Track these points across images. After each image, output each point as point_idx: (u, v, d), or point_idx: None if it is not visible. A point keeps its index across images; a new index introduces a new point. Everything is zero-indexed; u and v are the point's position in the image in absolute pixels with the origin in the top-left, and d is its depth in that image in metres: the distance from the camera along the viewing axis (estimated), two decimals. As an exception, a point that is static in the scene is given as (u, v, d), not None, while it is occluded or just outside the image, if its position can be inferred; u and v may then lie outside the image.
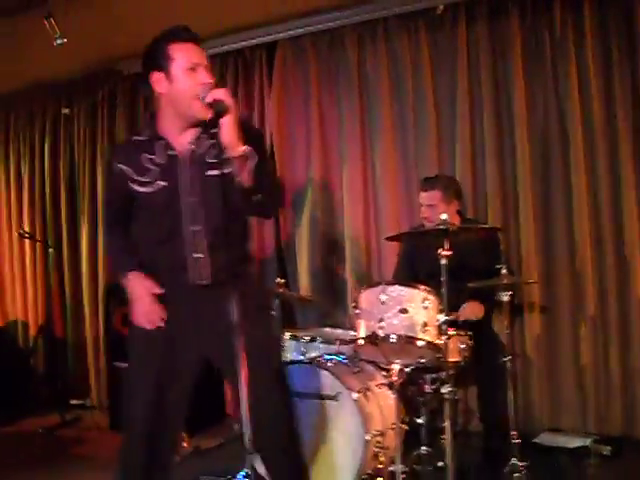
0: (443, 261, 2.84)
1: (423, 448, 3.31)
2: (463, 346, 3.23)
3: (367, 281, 4.32)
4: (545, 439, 3.75)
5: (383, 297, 2.90)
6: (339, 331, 3.75)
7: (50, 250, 5.45)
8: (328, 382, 2.96)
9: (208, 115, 2.05)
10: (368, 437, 2.82)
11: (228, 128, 2.02)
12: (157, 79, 2.21)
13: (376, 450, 2.88)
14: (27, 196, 5.78)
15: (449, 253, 2.86)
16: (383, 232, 4.38)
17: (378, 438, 2.89)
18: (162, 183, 2.25)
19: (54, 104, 5.67)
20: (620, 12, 3.86)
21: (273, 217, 2.18)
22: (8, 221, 5.91)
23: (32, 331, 5.69)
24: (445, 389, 2.86)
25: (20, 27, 4.90)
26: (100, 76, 5.41)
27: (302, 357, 3.34)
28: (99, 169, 5.45)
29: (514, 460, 3.08)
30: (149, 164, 2.26)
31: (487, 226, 3.47)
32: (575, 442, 3.65)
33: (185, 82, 2.17)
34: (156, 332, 2.30)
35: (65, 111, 5.57)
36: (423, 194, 3.72)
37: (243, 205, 2.18)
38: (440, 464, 3.21)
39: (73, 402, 5.34)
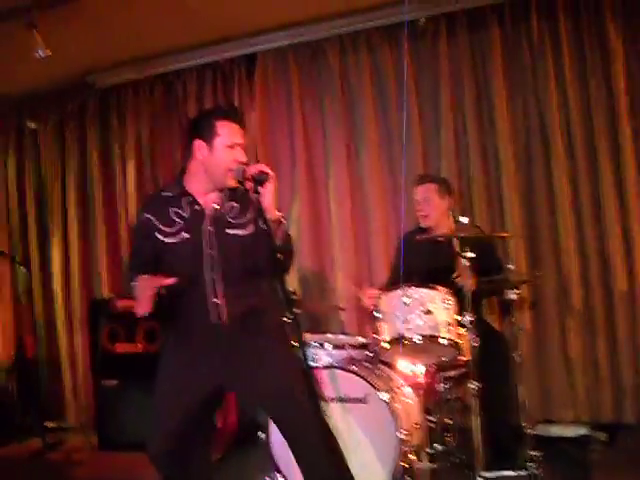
0: (467, 263, 2.95)
1: (435, 445, 3.40)
2: (474, 344, 3.35)
3: (357, 283, 4.44)
4: (542, 430, 3.90)
5: (406, 299, 3.00)
6: (342, 336, 3.81)
7: (20, 268, 5.27)
8: (355, 385, 3.00)
9: (246, 185, 2.40)
10: (401, 436, 2.88)
11: (269, 195, 2.35)
12: (199, 146, 2.49)
13: (405, 449, 2.95)
14: (-8, 212, 5.60)
15: (472, 255, 2.97)
16: (372, 238, 4.50)
17: (408, 437, 2.96)
18: (186, 235, 2.50)
19: (19, 118, 5.51)
20: (593, 19, 4.11)
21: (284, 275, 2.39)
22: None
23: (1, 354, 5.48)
24: (472, 385, 2.93)
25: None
26: (69, 89, 5.31)
27: (316, 364, 3.37)
28: (70, 185, 5.35)
29: (530, 451, 3.21)
30: (175, 217, 2.51)
31: (506, 234, 3.59)
32: (571, 431, 3.84)
33: (223, 157, 2.47)
34: (182, 363, 2.52)
35: (31, 125, 5.42)
36: (419, 188, 3.80)
37: (270, 262, 2.37)
38: (456, 460, 3.35)
39: (50, 425, 5.16)
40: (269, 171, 2.37)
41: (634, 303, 4.03)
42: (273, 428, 3.05)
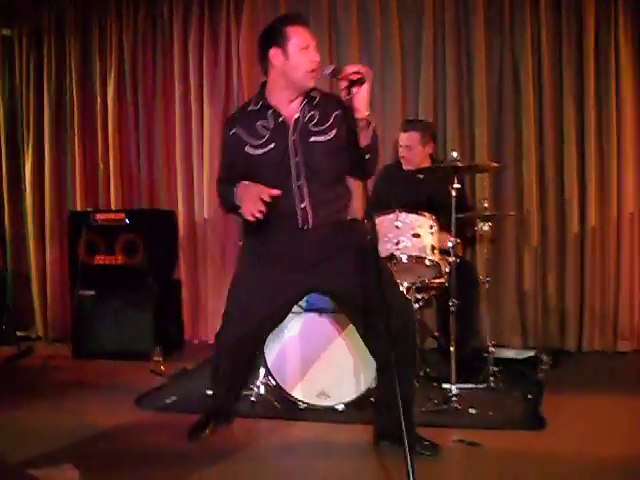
0: (453, 193, 3.23)
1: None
2: (447, 269, 3.67)
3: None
4: (495, 352, 4.30)
5: (398, 223, 3.28)
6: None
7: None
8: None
9: (341, 84, 2.44)
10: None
11: (363, 95, 2.44)
12: (275, 54, 2.57)
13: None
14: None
15: (458, 186, 3.25)
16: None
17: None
18: (272, 145, 2.63)
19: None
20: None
21: (369, 178, 2.60)
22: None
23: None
24: (451, 303, 3.25)
25: None
26: (48, -1, 5.21)
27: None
28: (46, 99, 5.30)
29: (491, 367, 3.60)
30: (261, 130, 2.64)
31: (496, 165, 3.86)
32: (521, 354, 4.27)
33: (299, 58, 2.55)
34: (265, 262, 2.71)
35: (5, 32, 5.29)
36: (403, 135, 4.08)
37: (356, 161, 2.53)
38: (420, 374, 3.71)
39: (19, 334, 5.24)
40: (365, 71, 2.44)
41: (583, 245, 4.46)
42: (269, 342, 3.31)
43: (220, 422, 3.00)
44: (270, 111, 2.64)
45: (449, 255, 3.35)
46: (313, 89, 2.63)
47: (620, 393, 3.51)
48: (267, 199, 2.46)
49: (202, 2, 4.96)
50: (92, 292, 4.68)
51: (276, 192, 2.49)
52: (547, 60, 4.45)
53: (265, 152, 2.63)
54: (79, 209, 5.18)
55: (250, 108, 2.70)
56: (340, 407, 3.21)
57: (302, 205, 2.62)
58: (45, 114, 5.30)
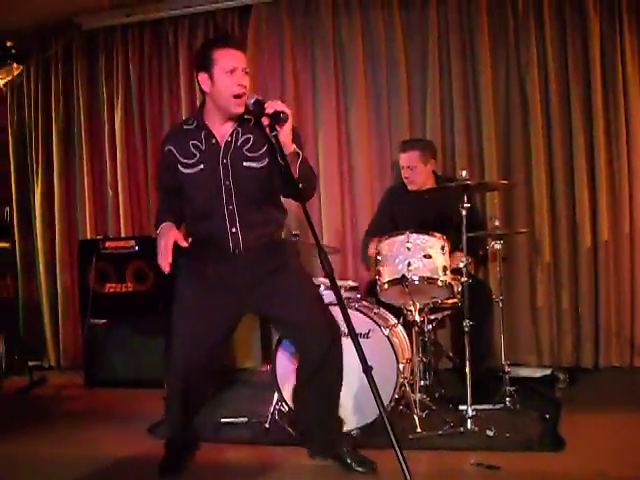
0: (463, 212, 3.21)
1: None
2: (460, 289, 3.64)
3: (341, 238, 4.69)
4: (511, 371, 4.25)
5: (409, 245, 3.26)
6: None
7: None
8: (359, 322, 3.22)
9: (263, 121, 2.47)
10: (401, 366, 3.16)
11: (287, 132, 2.45)
12: (202, 79, 2.58)
13: (401, 380, 3.22)
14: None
15: (468, 205, 3.23)
16: (357, 192, 4.73)
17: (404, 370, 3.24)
18: (201, 167, 2.62)
19: (2, 58, 5.42)
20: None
21: (308, 201, 2.62)
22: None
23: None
24: (465, 324, 3.22)
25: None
26: (54, 29, 5.26)
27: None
28: (54, 128, 5.34)
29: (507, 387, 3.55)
30: (193, 149, 2.63)
31: (505, 182, 3.85)
32: (537, 372, 4.22)
33: (224, 82, 2.53)
34: (201, 286, 2.71)
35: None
36: (403, 155, 4.07)
37: (289, 192, 2.60)
38: (435, 394, 3.67)
39: (31, 364, 5.23)
40: (287, 110, 2.45)
41: (596, 260, 4.40)
42: (279, 360, 3.29)
43: (189, 452, 2.92)
44: (204, 132, 2.63)
45: (461, 275, 3.32)
46: (248, 108, 2.57)
47: (639, 410, 3.45)
48: (181, 243, 2.57)
49: (207, 27, 4.98)
50: (103, 320, 4.67)
51: (184, 244, 2.57)
52: (554, 75, 4.43)
53: (195, 172, 2.62)
54: (89, 237, 5.18)
55: (186, 126, 2.70)
56: (354, 432, 3.16)
57: (233, 230, 2.62)
58: (54, 143, 5.33)
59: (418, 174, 4.04)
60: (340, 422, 2.93)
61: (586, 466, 2.68)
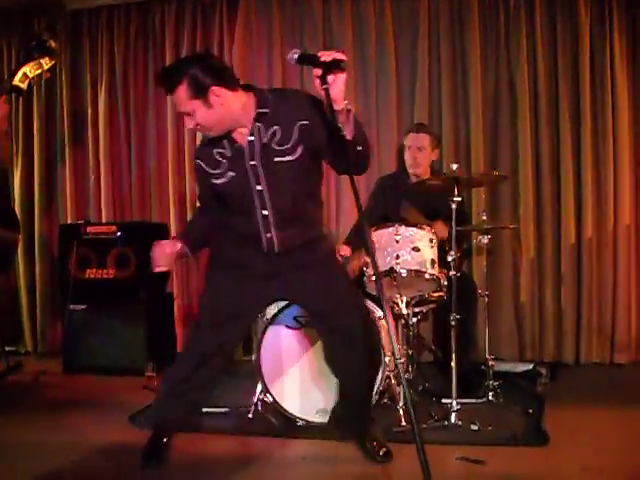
0: (453, 205, 3.19)
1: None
2: (446, 283, 3.63)
3: (327, 226, 4.66)
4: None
5: (397, 237, 3.24)
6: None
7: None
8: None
9: (314, 72, 2.13)
10: (387, 359, 3.14)
11: (340, 84, 2.12)
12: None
13: (388, 373, 3.21)
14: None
15: (459, 199, 3.21)
16: (345, 183, 4.69)
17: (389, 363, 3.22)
18: (231, 174, 2.51)
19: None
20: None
21: (365, 171, 2.49)
22: None
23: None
24: (452, 318, 3.21)
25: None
26: (39, 9, 5.13)
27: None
28: (35, 109, 5.23)
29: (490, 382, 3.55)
30: (219, 157, 2.53)
31: (498, 174, 3.84)
32: (519, 367, 4.23)
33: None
34: (228, 272, 2.72)
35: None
36: (414, 135, 4.01)
37: (344, 163, 2.34)
38: (419, 387, 3.67)
39: (7, 349, 5.13)
40: (344, 58, 2.14)
41: (580, 257, 4.43)
42: (263, 351, 3.26)
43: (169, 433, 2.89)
44: (227, 137, 2.49)
45: (449, 269, 3.31)
46: (263, 100, 2.43)
47: (619, 405, 3.48)
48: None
49: (194, 12, 4.91)
50: (83, 306, 4.59)
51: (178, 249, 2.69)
52: (543, 72, 4.43)
53: (227, 181, 2.54)
54: (70, 222, 5.09)
55: (210, 137, 2.55)
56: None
57: (267, 235, 2.57)
58: (34, 124, 5.22)
59: (425, 158, 4.00)
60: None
61: (570, 461, 2.69)
